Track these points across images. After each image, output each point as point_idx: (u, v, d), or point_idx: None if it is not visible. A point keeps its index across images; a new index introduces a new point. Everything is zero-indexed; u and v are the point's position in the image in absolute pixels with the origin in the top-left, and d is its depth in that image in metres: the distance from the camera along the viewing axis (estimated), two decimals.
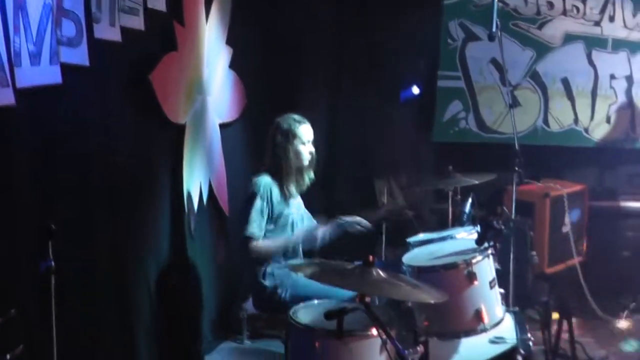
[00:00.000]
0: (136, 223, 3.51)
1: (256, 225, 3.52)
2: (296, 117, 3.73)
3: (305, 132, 3.69)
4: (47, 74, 2.68)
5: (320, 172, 4.15)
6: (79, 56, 2.86)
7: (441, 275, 3.05)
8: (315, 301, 3.08)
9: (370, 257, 2.56)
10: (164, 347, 3.80)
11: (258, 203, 3.53)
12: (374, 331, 2.61)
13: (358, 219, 3.72)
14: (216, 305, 4.62)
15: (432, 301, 2.56)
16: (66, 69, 2.77)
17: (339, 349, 2.63)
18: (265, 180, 3.59)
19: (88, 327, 3.10)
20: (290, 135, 3.65)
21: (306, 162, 3.71)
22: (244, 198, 3.63)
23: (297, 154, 3.66)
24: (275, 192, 3.61)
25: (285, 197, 3.66)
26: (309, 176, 3.79)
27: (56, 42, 2.70)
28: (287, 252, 3.62)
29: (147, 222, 3.64)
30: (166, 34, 3.73)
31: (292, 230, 3.67)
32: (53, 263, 2.39)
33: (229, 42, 4.63)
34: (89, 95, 3.03)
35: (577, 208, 5.14)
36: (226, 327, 4.73)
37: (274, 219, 3.61)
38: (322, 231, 3.61)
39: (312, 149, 3.73)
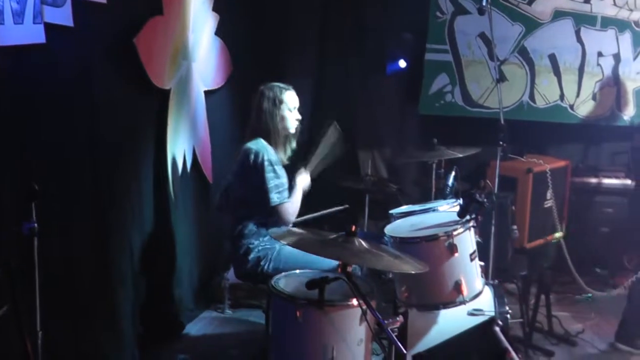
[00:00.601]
0: (119, 188, 3.50)
1: (278, 191, 3.51)
2: (281, 84, 3.71)
3: (291, 98, 3.68)
4: (31, 33, 2.65)
5: (305, 143, 4.15)
6: (63, 16, 2.83)
7: (422, 246, 3.07)
8: (297, 271, 3.10)
9: (353, 227, 2.58)
10: (146, 314, 3.82)
11: (269, 168, 3.50)
12: (355, 301, 2.64)
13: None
14: (198, 274, 4.64)
15: (413, 272, 2.58)
16: (50, 28, 2.74)
17: (319, 318, 2.66)
18: (263, 144, 3.57)
19: (70, 291, 3.12)
20: (277, 101, 3.62)
21: (292, 130, 3.70)
22: (256, 165, 3.51)
23: (284, 120, 3.64)
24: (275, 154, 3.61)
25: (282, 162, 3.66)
26: (291, 146, 3.78)
27: (40, 1, 2.67)
28: (267, 222, 3.61)
29: (130, 188, 3.63)
30: None
31: (288, 194, 3.64)
32: (36, 225, 2.39)
33: (216, 8, 4.58)
34: (72, 56, 3.00)
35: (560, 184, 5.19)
36: (208, 296, 4.77)
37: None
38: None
39: (299, 116, 3.72)
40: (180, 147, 4.13)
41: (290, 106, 3.66)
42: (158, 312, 4.00)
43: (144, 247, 3.76)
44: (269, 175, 3.49)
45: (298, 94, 3.79)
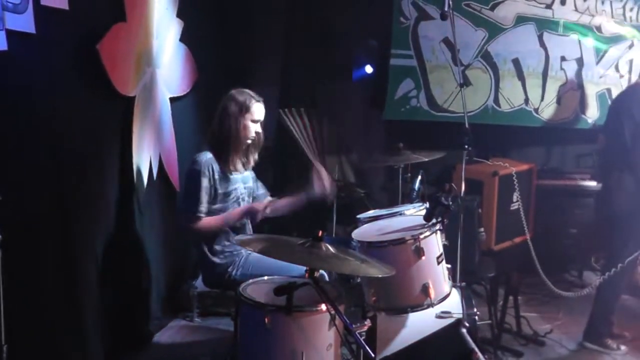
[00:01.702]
0: (83, 197, 3.46)
1: (203, 204, 3.51)
2: (252, 93, 3.70)
3: (257, 110, 3.66)
4: None
5: (270, 149, 4.17)
6: (25, 23, 2.81)
7: (389, 250, 3.08)
8: (265, 277, 3.11)
9: (320, 232, 2.60)
10: (112, 324, 3.78)
11: (203, 181, 3.51)
12: (323, 306, 2.66)
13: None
14: (165, 283, 4.61)
15: (380, 275, 2.61)
16: (11, 35, 2.72)
17: (288, 324, 2.67)
18: (206, 157, 3.56)
19: (35, 302, 3.08)
20: (243, 108, 3.62)
21: (250, 140, 3.68)
22: (187, 174, 3.60)
23: (246, 129, 3.63)
24: (217, 168, 3.58)
25: (229, 172, 3.63)
26: (254, 157, 3.78)
27: (1, 7, 2.64)
28: (235, 228, 3.62)
29: (95, 196, 3.59)
30: (115, 4, 3.67)
31: (239, 205, 3.66)
32: (0, 236, 2.36)
33: (180, 15, 4.58)
34: (34, 64, 2.97)
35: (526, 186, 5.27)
36: (176, 304, 4.74)
37: (218, 196, 3.59)
38: (265, 204, 3.64)
39: (260, 130, 3.70)
40: (145, 154, 4.11)
41: (255, 117, 3.65)
42: (125, 321, 3.97)
43: (110, 256, 3.72)
44: (203, 185, 3.52)
45: (264, 100, 3.80)
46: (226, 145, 3.61)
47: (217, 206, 3.61)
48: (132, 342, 4.07)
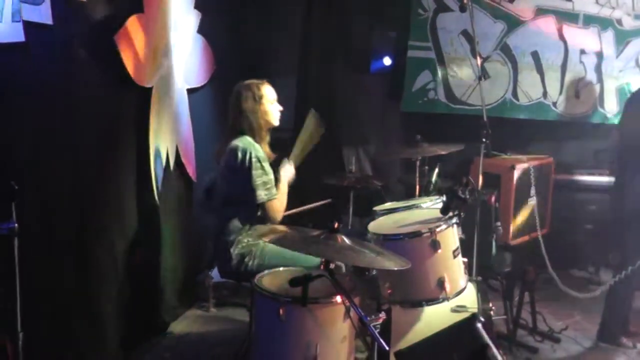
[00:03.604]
0: (100, 187, 3.49)
1: (266, 187, 3.48)
2: (255, 80, 3.69)
3: (269, 92, 3.66)
4: (10, 32, 2.65)
5: (288, 140, 4.13)
6: (42, 14, 2.82)
7: (405, 243, 3.07)
8: (281, 268, 3.11)
9: (335, 224, 2.59)
10: (129, 314, 3.80)
11: (257, 165, 3.47)
12: (338, 298, 2.65)
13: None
14: (182, 273, 4.62)
15: (395, 268, 2.59)
16: (29, 26, 2.73)
17: (303, 316, 2.67)
18: (249, 141, 3.55)
19: (52, 291, 3.11)
20: (257, 98, 3.61)
21: (277, 121, 3.69)
22: (242, 163, 3.47)
23: (267, 114, 3.63)
24: (262, 151, 3.60)
25: (269, 158, 3.65)
26: (267, 139, 3.76)
27: None
28: (252, 220, 3.61)
29: (112, 186, 3.61)
30: None
31: None
32: (16, 225, 2.37)
33: (197, 6, 4.57)
34: (52, 55, 2.99)
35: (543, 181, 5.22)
36: (192, 294, 4.77)
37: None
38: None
39: (280, 107, 3.71)
40: (163, 145, 4.11)
41: (270, 99, 3.65)
42: (141, 310, 3.99)
43: (126, 246, 3.74)
44: (257, 172, 3.46)
45: (282, 92, 3.79)
46: (254, 134, 3.61)
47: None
48: (147, 331, 4.11)
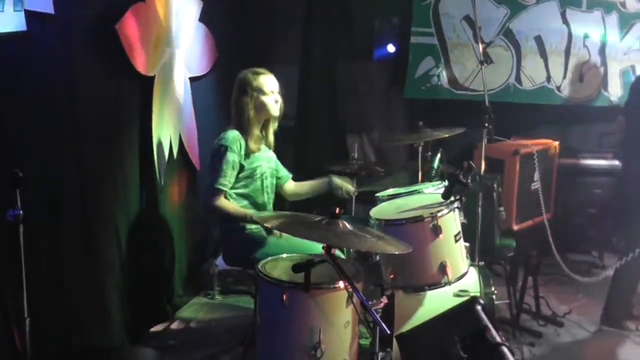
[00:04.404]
0: (104, 176, 3.51)
1: (227, 178, 3.49)
2: (256, 69, 3.68)
3: (265, 82, 3.63)
4: (11, 21, 2.66)
5: (292, 127, 4.17)
6: (43, 3, 2.83)
7: (407, 228, 3.08)
8: (284, 255, 3.14)
9: (337, 209, 2.60)
10: (135, 302, 3.83)
11: (230, 156, 3.49)
12: (341, 284, 2.68)
13: (349, 187, 3.87)
14: (187, 261, 4.66)
15: (396, 252, 2.61)
16: (30, 15, 2.74)
17: (306, 301, 2.70)
18: (233, 134, 3.57)
19: (57, 278, 3.13)
20: (248, 88, 3.61)
21: (274, 112, 3.67)
22: (213, 152, 3.58)
23: (261, 106, 3.63)
24: (244, 145, 3.58)
25: (252, 151, 3.63)
26: (273, 127, 3.77)
27: None
28: (257, 206, 3.63)
29: (116, 175, 3.64)
30: None
31: (262, 183, 3.67)
32: (21, 212, 2.39)
33: None
34: (54, 44, 3.00)
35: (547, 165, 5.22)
36: (197, 282, 4.80)
37: (244, 172, 3.60)
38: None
39: (278, 98, 3.68)
40: (165, 133, 4.13)
41: (265, 90, 3.62)
42: (147, 298, 4.02)
43: (131, 233, 3.77)
44: (227, 160, 3.49)
45: (284, 80, 3.79)
46: (245, 125, 3.62)
47: (241, 183, 3.60)
48: (153, 319, 4.14)
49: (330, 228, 2.59)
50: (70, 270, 3.23)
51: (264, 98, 3.62)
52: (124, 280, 3.72)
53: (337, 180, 3.84)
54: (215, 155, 3.53)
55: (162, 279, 4.31)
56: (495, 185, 4.30)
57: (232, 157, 3.49)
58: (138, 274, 3.88)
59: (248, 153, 3.60)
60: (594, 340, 4.17)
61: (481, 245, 3.58)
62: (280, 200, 3.95)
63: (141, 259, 3.92)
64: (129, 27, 3.53)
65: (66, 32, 3.07)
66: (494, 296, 3.43)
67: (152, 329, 4.09)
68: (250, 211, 3.55)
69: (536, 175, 4.94)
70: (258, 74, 3.66)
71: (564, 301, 4.69)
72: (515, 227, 4.86)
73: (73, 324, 3.26)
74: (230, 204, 3.53)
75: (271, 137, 3.76)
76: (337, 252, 3.37)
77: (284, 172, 3.90)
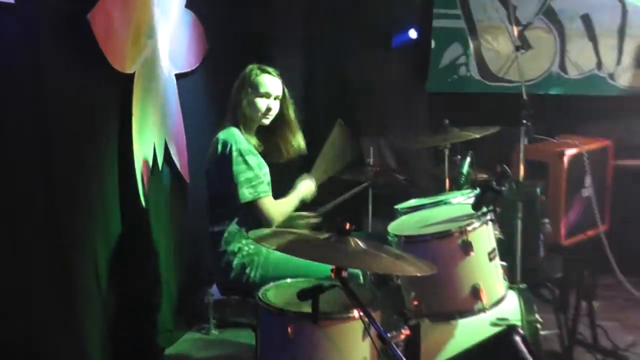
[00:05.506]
0: (78, 191, 3.53)
1: (251, 185, 3.56)
2: (265, 66, 3.77)
3: (263, 82, 3.71)
4: None
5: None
6: None
7: (431, 245, 3.09)
8: (288, 280, 3.15)
9: (347, 225, 2.61)
10: (117, 339, 3.85)
11: (239, 160, 3.56)
12: (356, 313, 2.68)
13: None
14: (177, 290, 4.68)
15: (418, 274, 2.62)
16: None
17: (315, 334, 2.70)
18: (232, 132, 3.63)
19: (27, 312, 3.14)
20: (245, 83, 3.71)
21: (260, 117, 3.73)
22: (230, 156, 3.58)
23: (250, 105, 3.70)
24: (249, 143, 3.67)
25: (257, 149, 3.71)
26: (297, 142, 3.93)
27: None
28: (251, 223, 3.67)
29: (92, 191, 3.66)
30: None
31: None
32: None
33: None
34: (15, 38, 3.02)
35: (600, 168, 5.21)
36: (189, 314, 4.81)
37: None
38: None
39: (273, 106, 3.74)
40: (149, 140, 4.16)
41: (261, 90, 3.70)
42: (131, 335, 4.03)
43: (111, 259, 3.79)
44: (239, 167, 3.56)
45: (286, 74, 3.84)
46: (244, 125, 3.70)
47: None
48: (139, 358, 4.15)
49: (340, 247, 2.60)
50: (41, 304, 3.24)
51: (255, 98, 3.70)
52: (103, 315, 3.74)
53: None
54: (233, 159, 3.57)
55: (149, 311, 4.33)
56: (537, 193, 4.30)
57: (256, 159, 3.63)
58: (120, 307, 3.89)
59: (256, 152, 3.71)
60: None
61: (522, 264, 3.58)
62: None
63: (124, 289, 3.93)
64: (104, 16, 3.55)
65: (30, 24, 3.09)
66: (539, 325, 3.44)
67: None
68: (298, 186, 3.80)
69: (587, 180, 4.95)
70: (262, 71, 3.76)
71: (627, 330, 4.65)
72: (565, 242, 4.86)
73: None
74: (278, 202, 3.69)
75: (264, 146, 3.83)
76: (356, 273, 3.41)
77: None
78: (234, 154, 3.56)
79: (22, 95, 3.11)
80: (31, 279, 3.19)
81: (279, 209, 3.67)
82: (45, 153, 3.27)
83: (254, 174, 3.59)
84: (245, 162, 3.57)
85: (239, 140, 3.62)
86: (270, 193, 3.65)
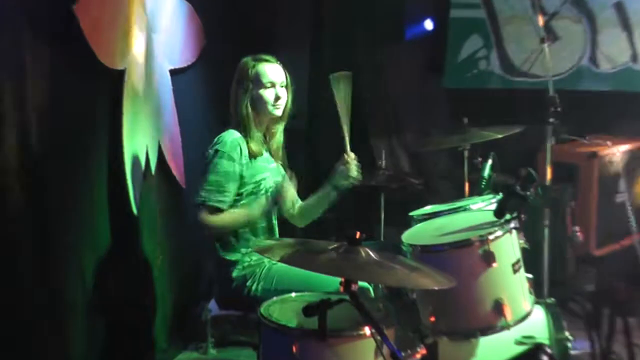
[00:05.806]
0: (65, 200, 3.54)
1: (229, 192, 3.54)
2: (260, 55, 3.75)
3: (263, 72, 3.69)
4: None
5: (301, 130, 4.18)
6: None
7: (449, 255, 3.10)
8: (293, 294, 3.14)
9: (357, 234, 2.61)
10: (107, 357, 3.85)
11: (229, 165, 3.54)
12: (367, 330, 2.67)
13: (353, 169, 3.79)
14: (172, 305, 4.69)
15: (435, 287, 2.61)
16: None
17: (322, 352, 2.69)
18: (233, 136, 3.61)
19: (11, 330, 3.14)
20: (244, 79, 3.68)
21: (271, 110, 3.70)
22: (208, 158, 3.61)
23: (257, 102, 3.68)
24: (245, 150, 3.63)
25: (255, 154, 3.67)
26: (277, 134, 3.82)
27: None
28: (257, 231, 3.66)
29: (79, 198, 3.67)
30: None
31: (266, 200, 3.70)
32: None
33: None
34: None
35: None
36: (185, 332, 4.82)
37: (246, 187, 3.63)
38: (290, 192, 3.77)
39: (282, 94, 3.72)
40: (141, 142, 4.16)
41: (264, 81, 3.67)
42: (122, 354, 4.04)
43: (100, 272, 3.79)
44: (208, 167, 3.56)
45: (289, 69, 3.82)
46: (248, 126, 3.67)
47: (244, 201, 3.64)
48: None
49: (349, 257, 2.59)
50: (25, 321, 3.24)
51: (260, 92, 3.67)
52: (92, 332, 3.74)
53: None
54: (211, 162, 3.58)
55: (141, 328, 4.34)
56: (566, 199, 4.29)
57: (231, 167, 3.55)
58: (110, 324, 3.90)
59: (250, 159, 3.66)
60: None
61: (550, 276, 3.57)
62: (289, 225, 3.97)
63: (114, 304, 3.94)
64: (92, 8, 3.56)
65: (10, 18, 3.10)
66: (569, 343, 3.42)
67: None
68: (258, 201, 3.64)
69: (622, 185, 4.93)
70: (259, 61, 3.72)
71: None
72: (597, 253, 4.84)
73: None
74: (221, 216, 3.56)
75: (277, 147, 3.82)
76: (367, 286, 3.39)
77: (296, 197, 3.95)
78: (211, 153, 3.57)
79: (4, 93, 3.11)
80: (17, 295, 3.19)
81: (221, 219, 3.57)
82: (28, 155, 3.25)
83: (215, 179, 3.55)
84: (216, 164, 3.56)
85: (225, 143, 3.60)
86: (226, 206, 3.57)
